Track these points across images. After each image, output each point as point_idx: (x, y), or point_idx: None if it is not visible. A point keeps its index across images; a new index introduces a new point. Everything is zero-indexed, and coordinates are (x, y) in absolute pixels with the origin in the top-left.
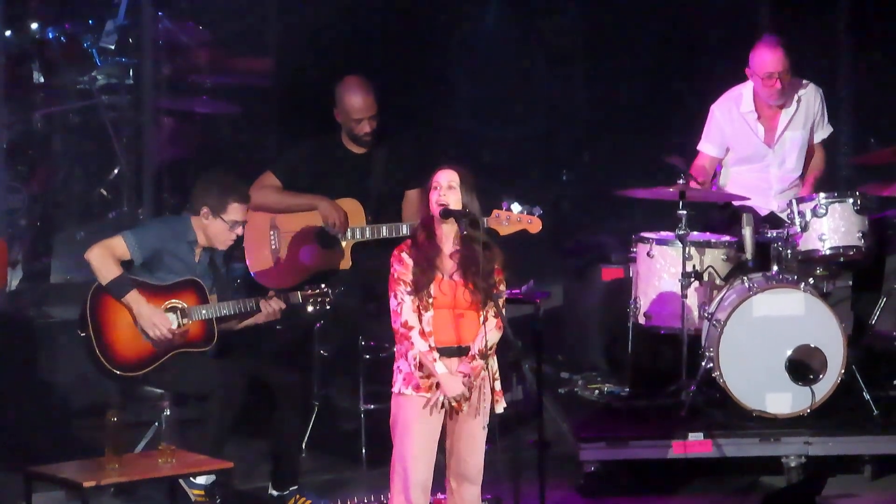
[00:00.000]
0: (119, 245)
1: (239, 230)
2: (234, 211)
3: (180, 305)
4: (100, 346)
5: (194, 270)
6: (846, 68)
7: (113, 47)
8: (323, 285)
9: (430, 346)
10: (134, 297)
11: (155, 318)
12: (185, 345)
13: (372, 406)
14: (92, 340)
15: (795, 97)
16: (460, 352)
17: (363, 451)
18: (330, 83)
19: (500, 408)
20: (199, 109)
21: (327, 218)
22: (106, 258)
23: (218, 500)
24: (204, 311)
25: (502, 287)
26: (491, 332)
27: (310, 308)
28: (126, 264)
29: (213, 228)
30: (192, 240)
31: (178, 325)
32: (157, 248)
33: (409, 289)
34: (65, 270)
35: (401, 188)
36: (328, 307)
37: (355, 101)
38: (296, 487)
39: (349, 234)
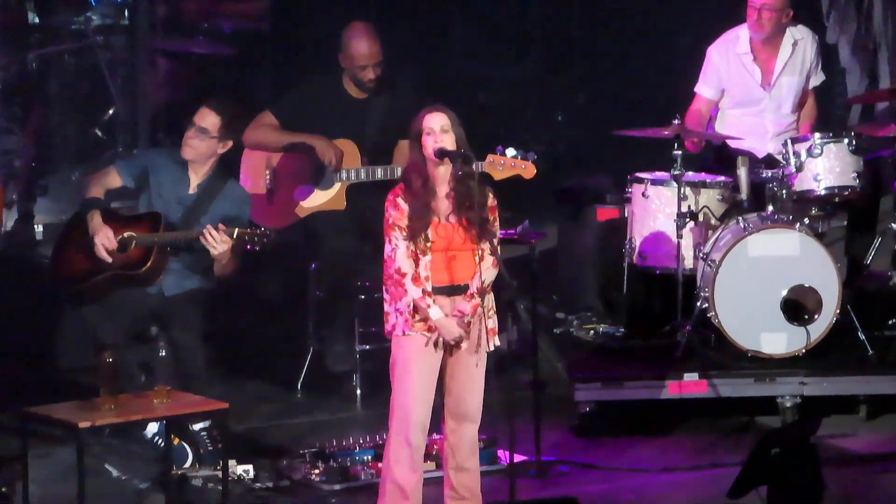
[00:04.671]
0: (109, 173)
1: (198, 141)
2: (202, 115)
3: (132, 234)
4: (53, 257)
5: (181, 198)
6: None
7: None
8: (263, 228)
9: (423, 291)
10: (92, 214)
11: (97, 233)
12: (122, 267)
13: (367, 346)
14: (50, 253)
15: (792, 41)
16: (457, 290)
17: (357, 391)
18: (325, 25)
19: (492, 345)
20: (195, 50)
21: (323, 156)
22: (94, 183)
23: (161, 445)
24: (147, 239)
25: (496, 225)
26: (487, 269)
27: (248, 246)
28: (122, 192)
29: (187, 135)
30: (182, 160)
31: (122, 250)
32: (146, 165)
33: (404, 234)
34: (59, 211)
35: (397, 135)
36: (265, 245)
37: (361, 48)
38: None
39: (344, 174)
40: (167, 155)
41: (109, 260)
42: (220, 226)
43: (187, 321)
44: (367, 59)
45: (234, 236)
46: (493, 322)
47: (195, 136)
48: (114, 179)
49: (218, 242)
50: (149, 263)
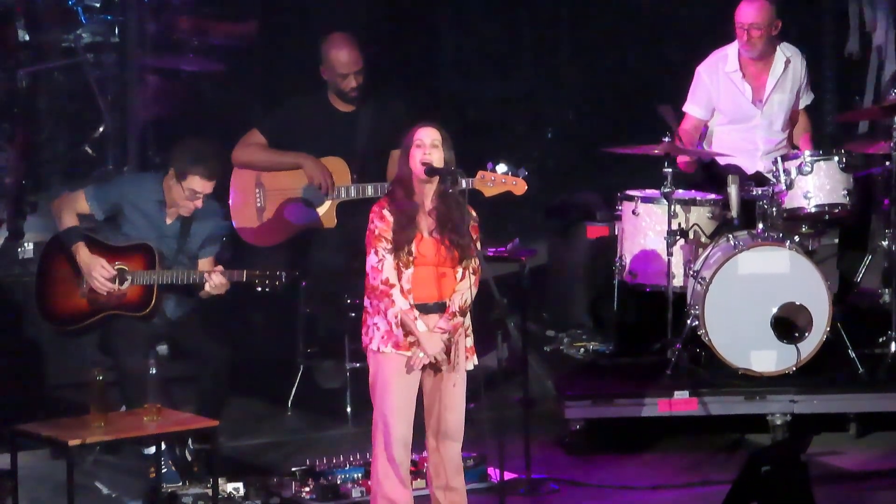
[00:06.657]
0: (79, 198)
1: (198, 202)
2: (194, 181)
3: (124, 268)
4: (38, 294)
5: (161, 231)
6: (831, 25)
7: (98, 5)
8: (278, 272)
9: (410, 304)
10: (78, 247)
11: (94, 267)
12: (120, 307)
13: (357, 364)
14: (34, 287)
15: (784, 59)
16: (439, 308)
17: (348, 408)
18: (315, 42)
19: (471, 364)
20: (185, 67)
21: (312, 177)
22: (65, 209)
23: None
24: (145, 277)
25: (478, 244)
26: (468, 289)
27: (258, 289)
28: (91, 220)
29: (174, 192)
30: (161, 199)
31: (116, 287)
32: (117, 201)
33: (389, 246)
34: (49, 229)
35: (386, 147)
36: (277, 288)
37: (341, 56)
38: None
39: (334, 192)
40: (139, 187)
41: (114, 288)
42: (219, 268)
43: (213, 334)
44: (348, 66)
45: (244, 279)
46: (470, 341)
47: (190, 199)
48: (83, 205)
49: (220, 285)
50: (150, 307)
